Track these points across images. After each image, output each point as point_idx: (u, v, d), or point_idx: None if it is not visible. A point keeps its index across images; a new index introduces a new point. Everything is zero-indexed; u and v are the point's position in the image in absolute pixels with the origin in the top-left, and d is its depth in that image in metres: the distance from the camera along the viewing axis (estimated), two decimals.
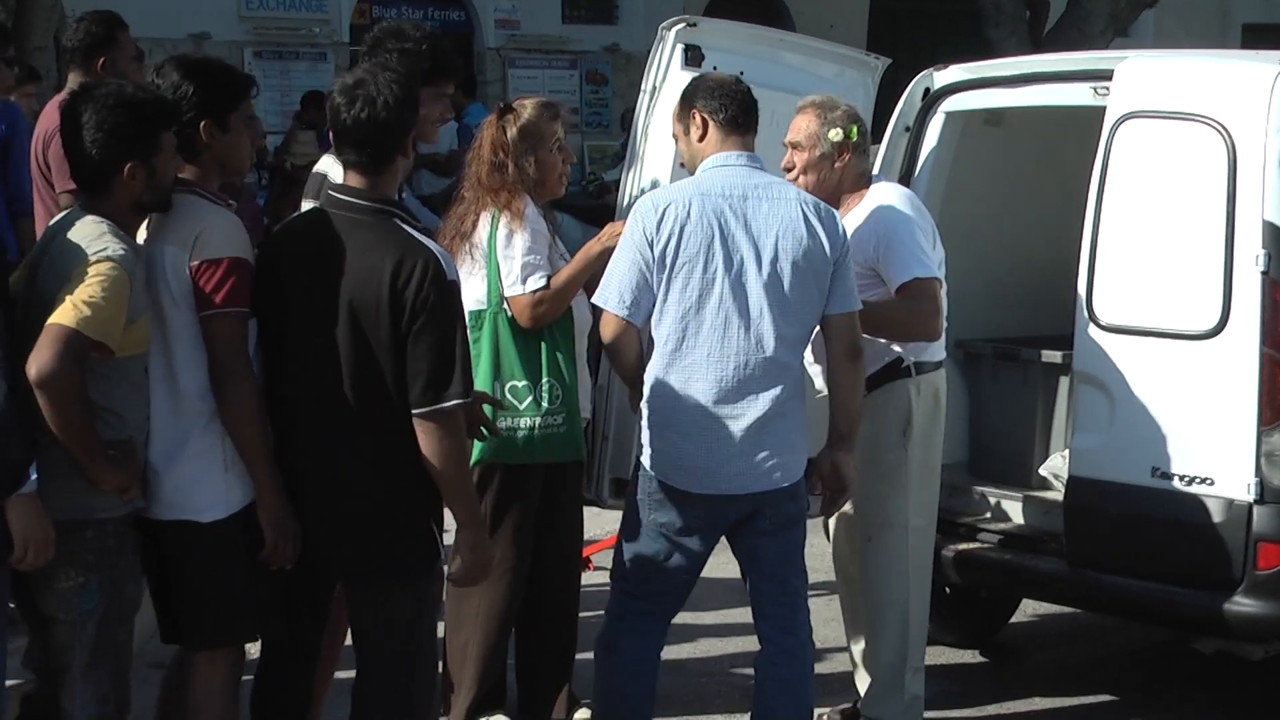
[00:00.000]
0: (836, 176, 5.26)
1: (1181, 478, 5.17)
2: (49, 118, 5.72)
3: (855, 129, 5.26)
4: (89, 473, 3.94)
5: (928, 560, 5.45)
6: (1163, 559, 5.24)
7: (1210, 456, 5.12)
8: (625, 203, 5.84)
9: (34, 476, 3.82)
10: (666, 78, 5.85)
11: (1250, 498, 5.03)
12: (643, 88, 5.93)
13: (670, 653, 6.39)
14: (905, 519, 5.30)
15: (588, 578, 6.24)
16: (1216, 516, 5.09)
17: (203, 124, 4.19)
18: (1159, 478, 5.21)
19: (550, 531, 5.44)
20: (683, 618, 6.79)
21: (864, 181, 5.34)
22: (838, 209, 5.08)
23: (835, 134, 5.22)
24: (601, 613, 4.99)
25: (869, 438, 5.16)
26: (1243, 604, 5.06)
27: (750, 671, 4.95)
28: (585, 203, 13.13)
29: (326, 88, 5.43)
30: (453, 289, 4.15)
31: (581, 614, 5.69)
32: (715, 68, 5.85)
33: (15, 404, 3.79)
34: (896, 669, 5.36)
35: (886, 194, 5.31)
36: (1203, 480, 5.12)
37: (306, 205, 4.85)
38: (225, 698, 4.30)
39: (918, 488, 5.33)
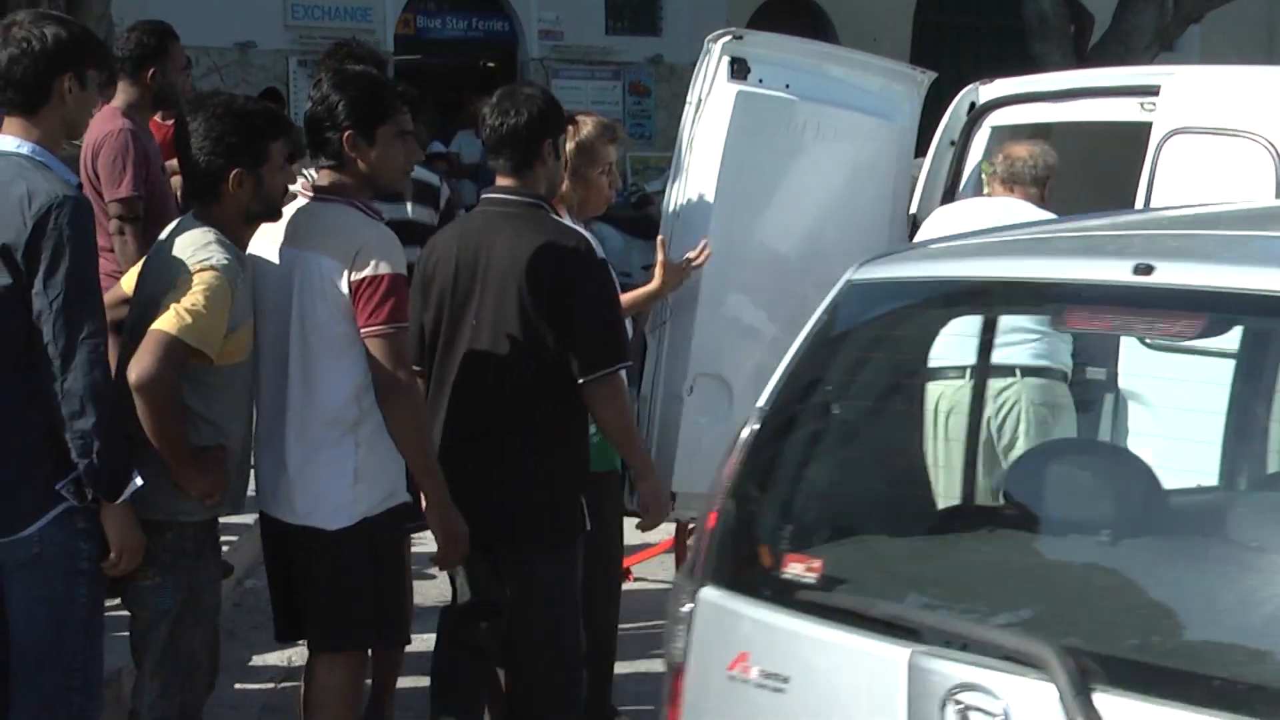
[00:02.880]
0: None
1: None
2: (96, 128, 5.72)
3: None
4: (176, 477, 4.01)
5: None
6: None
7: None
8: (670, 211, 5.84)
9: (139, 483, 3.88)
10: (712, 90, 5.84)
11: None
12: (688, 100, 5.92)
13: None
14: None
15: (628, 588, 6.23)
16: None
17: (345, 135, 4.24)
18: None
19: (590, 542, 5.44)
20: None
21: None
22: None
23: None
24: (642, 623, 4.99)
25: None
26: None
27: None
28: (627, 213, 13.13)
29: None
30: (602, 266, 4.60)
31: (621, 625, 5.69)
32: (761, 80, 5.85)
33: (116, 415, 3.84)
34: None
35: None
36: None
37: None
38: (344, 699, 4.39)
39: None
